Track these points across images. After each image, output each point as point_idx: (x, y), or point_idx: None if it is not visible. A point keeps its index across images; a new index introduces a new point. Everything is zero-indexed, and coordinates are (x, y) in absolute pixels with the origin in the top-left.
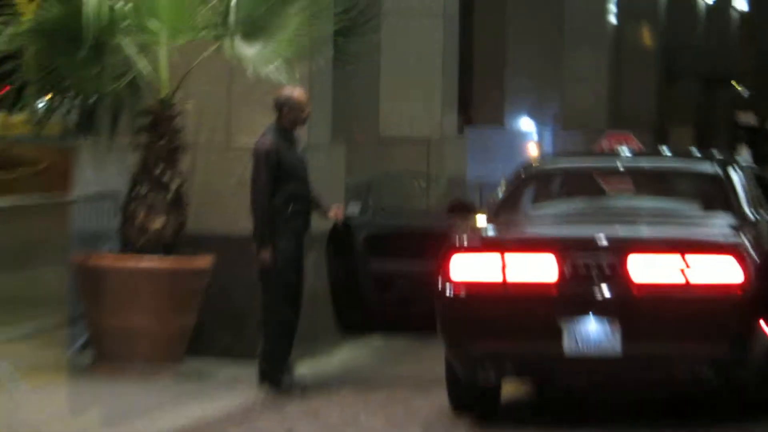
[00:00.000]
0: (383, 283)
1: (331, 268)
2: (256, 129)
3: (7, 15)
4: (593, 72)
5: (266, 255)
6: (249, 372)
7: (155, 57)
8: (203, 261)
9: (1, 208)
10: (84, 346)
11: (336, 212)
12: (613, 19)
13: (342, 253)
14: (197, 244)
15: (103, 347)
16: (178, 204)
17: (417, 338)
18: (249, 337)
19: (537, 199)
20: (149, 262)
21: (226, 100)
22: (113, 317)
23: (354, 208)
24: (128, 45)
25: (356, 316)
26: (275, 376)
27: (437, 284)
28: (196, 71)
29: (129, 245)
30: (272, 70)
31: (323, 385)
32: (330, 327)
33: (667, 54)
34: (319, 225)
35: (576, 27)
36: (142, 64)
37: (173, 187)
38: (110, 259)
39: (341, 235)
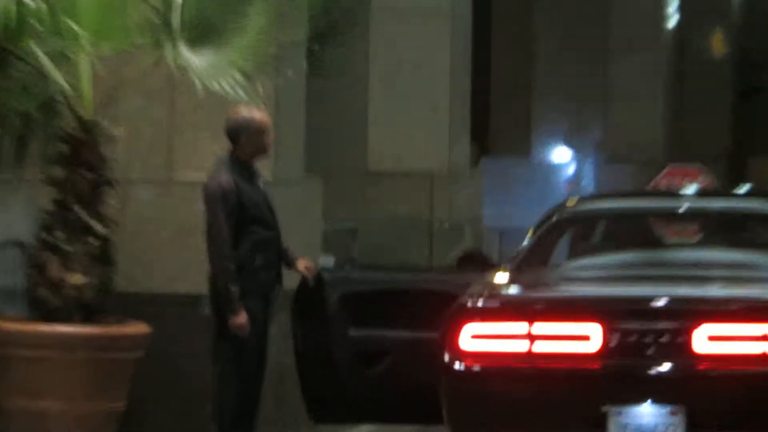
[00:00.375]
0: (367, 357)
1: (298, 338)
2: (205, 161)
3: None
4: (647, 88)
5: (241, 320)
6: None
7: (75, 68)
8: (136, 328)
9: None
10: None
11: (306, 265)
12: (673, 22)
13: (313, 319)
14: (128, 307)
15: None
16: (103, 256)
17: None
18: (197, 422)
19: (574, 250)
20: (66, 329)
21: (167, 123)
22: (20, 398)
23: (330, 260)
24: (41, 53)
25: (332, 401)
26: None
27: (442, 360)
28: (129, 87)
29: (40, 307)
30: (227, 85)
31: None
32: (300, 415)
33: (744, 65)
34: (285, 281)
35: (625, 32)
36: (59, 77)
37: (98, 233)
38: (16, 325)
39: (312, 294)
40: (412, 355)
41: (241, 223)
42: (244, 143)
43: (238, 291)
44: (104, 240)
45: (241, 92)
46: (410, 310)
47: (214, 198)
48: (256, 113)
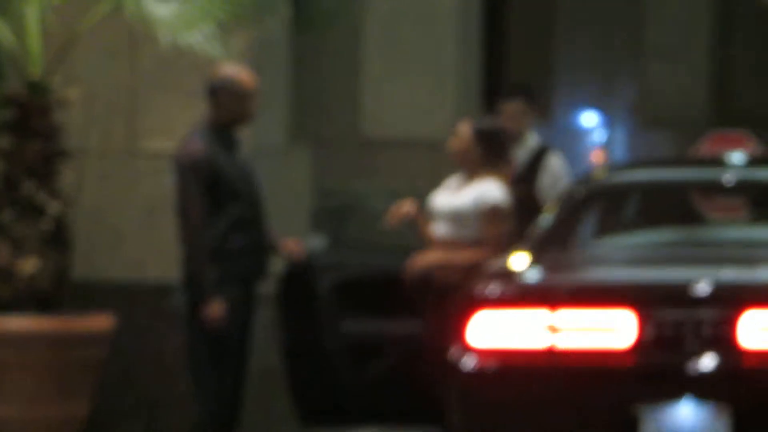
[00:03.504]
0: (362, 351)
1: (285, 332)
2: (173, 127)
3: None
4: (688, 43)
5: (215, 310)
6: None
7: (21, 20)
8: (99, 321)
9: None
10: None
11: (292, 247)
12: None
13: (301, 309)
14: (89, 297)
15: None
16: (58, 238)
17: None
18: (166, 427)
19: (603, 228)
20: (18, 323)
21: (129, 83)
22: None
23: (321, 242)
24: None
25: (323, 400)
26: None
27: (448, 354)
28: (84, 42)
29: None
30: (198, 38)
31: None
32: (287, 416)
33: None
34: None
35: None
36: (1, 32)
37: (51, 213)
38: None
39: (301, 281)
40: (416, 351)
41: (218, 199)
42: (224, 105)
43: (215, 277)
44: (59, 220)
45: (214, 47)
46: (411, 297)
47: (185, 170)
48: (244, 74)
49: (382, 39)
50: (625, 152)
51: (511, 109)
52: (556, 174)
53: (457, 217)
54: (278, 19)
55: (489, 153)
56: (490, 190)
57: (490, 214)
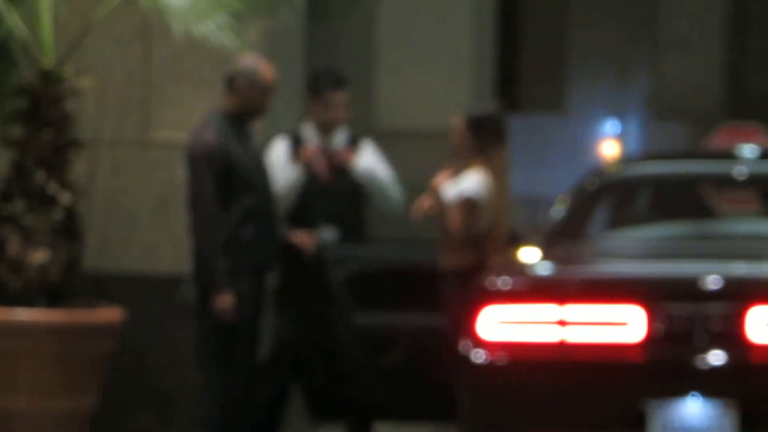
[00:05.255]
0: (375, 345)
1: (296, 325)
2: (186, 118)
3: None
4: (702, 36)
5: (226, 302)
6: None
7: (34, 9)
8: (109, 314)
9: None
10: None
11: (303, 239)
12: None
13: (313, 302)
14: (100, 288)
15: None
16: (69, 229)
17: (426, 430)
18: (177, 420)
19: (615, 221)
20: (28, 315)
21: (142, 73)
22: None
23: (332, 234)
24: None
25: (335, 396)
26: None
27: (458, 348)
28: (97, 31)
29: None
30: (212, 28)
31: None
32: (298, 413)
33: None
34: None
35: None
36: (15, 20)
37: (62, 203)
38: None
39: (312, 274)
40: (429, 345)
41: (230, 189)
42: (242, 95)
43: (226, 268)
44: (71, 211)
45: (228, 38)
46: (427, 292)
47: (198, 159)
48: (265, 67)
49: (397, 30)
50: (639, 144)
51: (340, 99)
52: (370, 160)
53: (450, 207)
54: (293, 9)
55: (482, 140)
56: (468, 182)
57: (462, 205)
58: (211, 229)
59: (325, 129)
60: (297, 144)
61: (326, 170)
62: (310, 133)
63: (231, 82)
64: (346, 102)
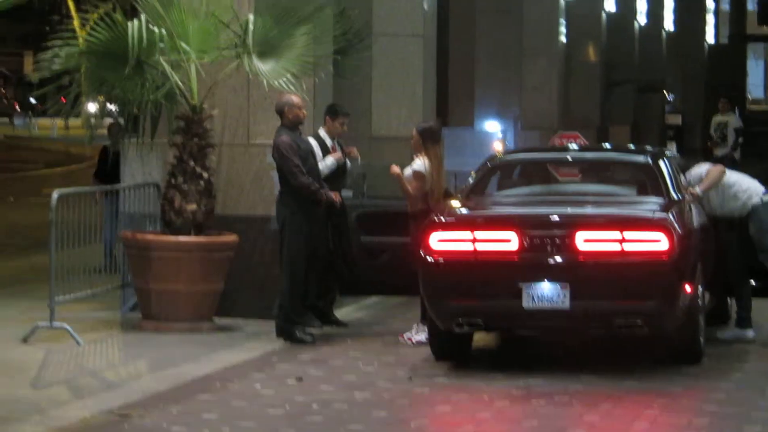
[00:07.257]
0: (373, 253)
1: (331, 240)
2: (270, 130)
3: (65, 39)
4: (547, 81)
5: (330, 195)
6: (268, 328)
7: (187, 72)
8: (229, 238)
9: (67, 194)
10: (133, 307)
11: (335, 196)
12: (563, 38)
13: (339, 228)
14: (224, 224)
15: (148, 308)
16: (207, 192)
17: (403, 299)
18: (268, 299)
19: (501, 185)
20: (185, 239)
21: (246, 106)
22: (157, 283)
23: (349, 193)
24: (164, 62)
25: (352, 280)
26: (290, 330)
27: (419, 254)
28: (221, 83)
29: (169, 225)
30: (283, 82)
31: (329, 338)
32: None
33: (608, 66)
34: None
35: (533, 44)
36: (176, 78)
37: (204, 177)
38: (154, 236)
39: (339, 214)
40: (403, 253)
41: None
42: (287, 114)
43: (318, 185)
44: (208, 182)
45: (291, 87)
46: (401, 225)
47: (284, 147)
48: (293, 96)
49: (382, 80)
50: (513, 144)
51: (342, 121)
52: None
53: (408, 178)
54: (325, 71)
55: (426, 141)
56: (416, 164)
57: (413, 175)
58: (303, 176)
59: (333, 135)
60: (319, 141)
61: (342, 158)
62: (325, 136)
63: (280, 110)
64: (346, 123)
